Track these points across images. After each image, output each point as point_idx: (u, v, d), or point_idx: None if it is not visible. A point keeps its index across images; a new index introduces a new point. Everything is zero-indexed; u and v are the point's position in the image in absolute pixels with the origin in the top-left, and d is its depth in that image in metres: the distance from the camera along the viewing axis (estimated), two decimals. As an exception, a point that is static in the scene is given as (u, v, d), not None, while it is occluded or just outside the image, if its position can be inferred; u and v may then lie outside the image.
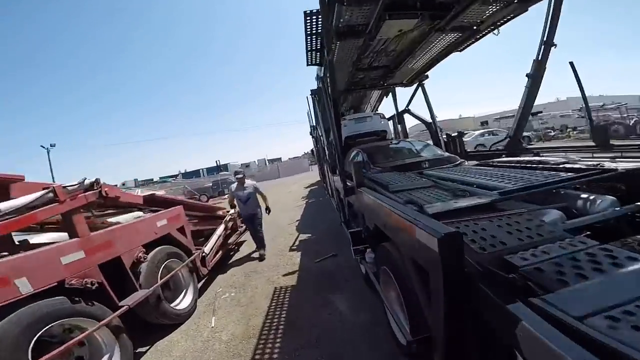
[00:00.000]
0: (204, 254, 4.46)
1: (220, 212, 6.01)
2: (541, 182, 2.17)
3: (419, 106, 7.51)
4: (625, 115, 16.54)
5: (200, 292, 4.37)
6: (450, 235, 1.10)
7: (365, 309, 3.18)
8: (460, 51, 5.18)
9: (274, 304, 3.74)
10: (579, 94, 3.81)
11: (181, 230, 4.21)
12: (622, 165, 2.28)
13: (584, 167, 2.46)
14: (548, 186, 2.12)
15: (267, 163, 45.92)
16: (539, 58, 3.99)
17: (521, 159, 3.57)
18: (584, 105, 3.85)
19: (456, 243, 1.10)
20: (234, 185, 5.66)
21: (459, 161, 4.43)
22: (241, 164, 46.46)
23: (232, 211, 5.97)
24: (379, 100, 9.79)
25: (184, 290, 3.96)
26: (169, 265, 3.67)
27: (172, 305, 3.59)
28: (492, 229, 1.58)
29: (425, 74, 6.43)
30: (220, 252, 5.23)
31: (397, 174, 3.54)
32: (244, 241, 7.03)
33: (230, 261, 5.85)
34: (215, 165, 47.44)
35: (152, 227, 3.66)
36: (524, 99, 4.27)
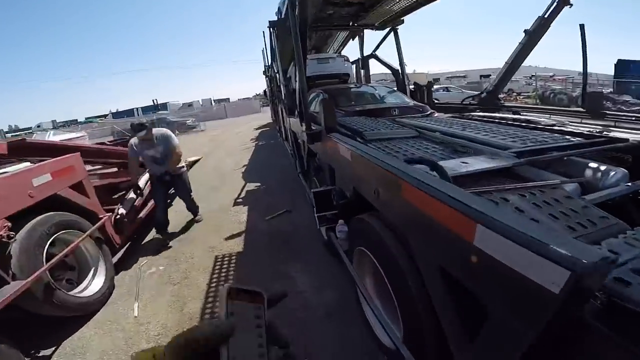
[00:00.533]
0: (118, 217, 3.51)
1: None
2: (554, 145, 1.74)
3: (385, 54, 6.93)
4: (569, 87, 17.68)
5: (119, 268, 3.48)
6: (598, 266, 0.52)
7: (331, 285, 2.67)
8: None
9: (215, 280, 3.07)
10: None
11: (78, 187, 3.11)
12: (631, 137, 1.92)
13: (587, 132, 2.07)
14: (565, 151, 1.72)
15: (213, 103, 42.56)
16: (546, 15, 3.53)
17: (503, 115, 3.17)
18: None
19: (596, 279, 0.53)
20: (134, 142, 3.68)
21: (430, 111, 4.07)
22: (183, 104, 42.58)
23: None
24: (344, 43, 9.20)
25: (92, 270, 2.99)
26: (62, 239, 2.70)
27: (75, 291, 2.70)
28: (529, 209, 1.08)
29: (401, 18, 5.73)
30: (147, 210, 4.27)
31: (369, 119, 2.92)
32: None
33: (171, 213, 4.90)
34: (152, 104, 42.71)
35: (21, 187, 2.48)
36: (515, 54, 3.87)
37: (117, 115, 42.63)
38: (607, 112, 2.83)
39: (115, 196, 4.28)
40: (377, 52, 6.88)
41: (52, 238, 2.53)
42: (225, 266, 3.28)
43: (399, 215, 1.17)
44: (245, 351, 0.37)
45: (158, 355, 0.40)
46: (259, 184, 6.08)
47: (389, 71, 6.21)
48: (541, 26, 3.59)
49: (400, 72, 5.98)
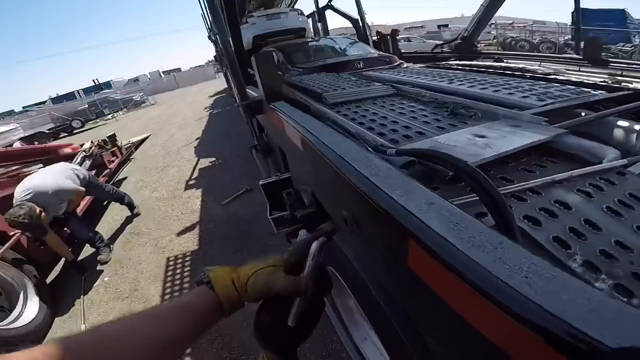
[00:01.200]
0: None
1: (68, 150, 4.11)
2: (580, 100, 1.28)
3: (340, 3, 6.29)
4: (529, 35, 17.57)
5: (58, 287, 2.89)
6: None
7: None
8: None
9: (168, 289, 2.54)
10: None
11: None
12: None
13: (603, 84, 1.63)
14: (596, 108, 1.28)
15: (162, 75, 39.20)
16: None
17: (488, 64, 2.68)
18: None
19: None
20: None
21: (399, 62, 3.55)
22: (128, 80, 38.81)
23: (87, 144, 4.14)
24: None
25: (21, 294, 2.47)
26: None
27: (5, 322, 2.24)
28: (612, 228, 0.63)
29: None
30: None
31: (330, 75, 2.33)
32: (124, 179, 5.28)
33: (106, 214, 4.16)
34: (93, 84, 38.62)
35: None
36: None
37: (56, 100, 38.19)
38: (609, 59, 2.43)
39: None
40: (332, 3, 6.29)
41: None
42: (179, 271, 2.76)
43: (404, 298, 0.67)
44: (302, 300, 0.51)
45: (240, 278, 0.51)
46: (213, 159, 5.40)
47: (349, 25, 5.58)
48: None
49: (360, 21, 5.38)
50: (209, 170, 4.97)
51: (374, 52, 3.87)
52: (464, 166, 0.55)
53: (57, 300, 2.67)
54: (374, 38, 5.22)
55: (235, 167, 4.72)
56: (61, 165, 3.20)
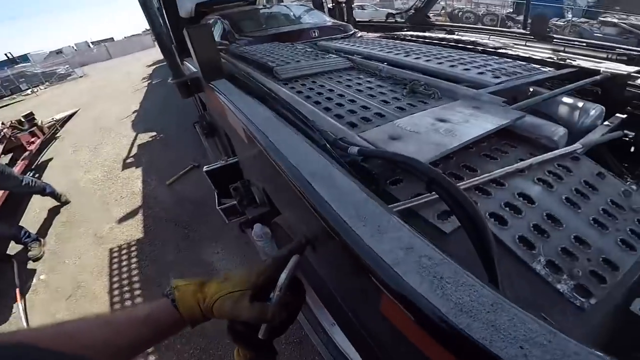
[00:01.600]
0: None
1: None
2: (530, 78, 1.30)
3: None
4: (474, 7, 18.32)
5: None
6: None
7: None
8: None
9: (116, 284, 2.30)
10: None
11: None
12: (602, 67, 1.56)
13: (549, 60, 1.67)
14: (543, 86, 1.32)
15: (91, 45, 34.46)
16: None
17: (441, 36, 2.66)
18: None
19: None
20: None
21: (354, 31, 3.43)
22: (50, 52, 33.56)
23: None
24: None
25: None
26: None
27: None
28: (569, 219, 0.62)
29: None
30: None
31: (283, 45, 2.14)
32: (49, 160, 4.63)
33: (31, 202, 3.58)
34: (6, 58, 32.76)
35: None
36: None
37: None
38: (553, 36, 2.52)
39: None
40: None
41: None
42: (125, 263, 2.51)
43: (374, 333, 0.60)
44: None
45: (205, 300, 0.50)
46: (154, 134, 4.93)
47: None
48: None
49: (314, -14, 5.06)
50: (149, 147, 4.52)
51: (328, 21, 3.67)
52: (440, 179, 0.48)
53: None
54: (329, 6, 4.99)
55: (180, 142, 4.34)
56: None
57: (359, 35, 3.34)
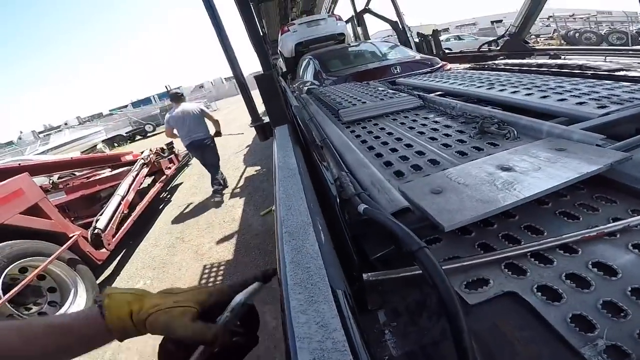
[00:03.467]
0: (96, 232, 3.10)
1: (129, 157, 4.50)
2: None
3: (380, 7, 6.18)
4: (595, 26, 15.42)
5: (107, 281, 3.20)
6: None
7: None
8: None
9: None
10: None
11: (34, 210, 2.77)
12: None
13: None
14: None
15: (224, 81, 41.96)
16: None
17: (541, 61, 2.33)
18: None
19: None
20: (170, 113, 4.23)
21: (441, 64, 3.28)
22: (195, 86, 42.40)
23: (146, 152, 4.49)
24: (334, 1, 8.49)
25: (72, 291, 2.76)
26: (33, 266, 2.53)
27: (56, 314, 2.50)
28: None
29: None
30: (134, 217, 3.83)
31: (357, 85, 2.20)
32: (179, 184, 5.68)
33: (159, 218, 4.52)
34: (165, 90, 42.94)
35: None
36: None
37: (136, 104, 42.98)
38: None
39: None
40: (370, 6, 6.32)
41: (6, 270, 2.38)
42: (212, 278, 2.87)
43: None
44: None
45: (139, 312, 0.44)
46: (259, 168, 5.55)
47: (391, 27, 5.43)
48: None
49: (399, 23, 5.13)
50: (253, 179, 5.11)
51: (414, 55, 3.64)
52: (419, 254, 0.42)
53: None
54: (416, 40, 4.97)
55: (277, 176, 4.81)
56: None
57: (447, 67, 3.19)
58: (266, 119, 1.74)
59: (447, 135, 1.06)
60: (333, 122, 1.35)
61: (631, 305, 0.44)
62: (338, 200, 0.69)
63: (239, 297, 0.47)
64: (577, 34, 13.48)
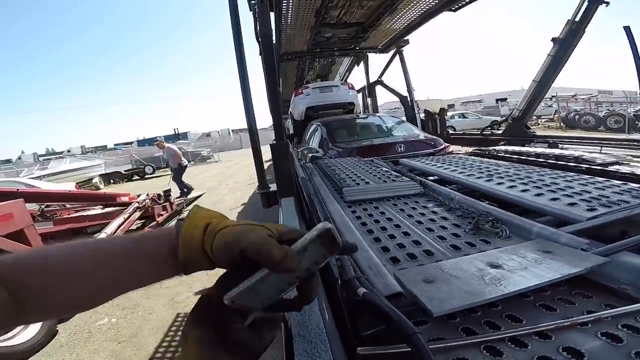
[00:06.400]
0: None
1: (125, 199, 4.57)
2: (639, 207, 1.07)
3: (392, 79, 6.60)
4: (593, 107, 16.47)
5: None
6: None
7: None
8: (453, 11, 3.98)
9: (164, 347, 2.57)
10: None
11: (18, 236, 2.79)
12: None
13: None
14: None
15: (231, 133, 43.65)
16: (577, 18, 2.89)
17: (540, 151, 2.49)
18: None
19: None
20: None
21: (444, 145, 3.46)
22: (202, 133, 44.04)
23: (142, 196, 4.56)
24: (349, 69, 8.82)
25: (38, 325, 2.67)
26: None
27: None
28: None
29: (405, 38, 5.38)
30: None
31: (361, 162, 2.32)
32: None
33: None
34: (173, 133, 44.47)
35: None
36: (543, 70, 3.18)
37: (142, 142, 44.29)
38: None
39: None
40: (384, 78, 6.64)
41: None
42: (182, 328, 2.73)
43: None
44: (271, 283, 0.36)
45: (217, 225, 0.38)
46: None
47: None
48: (573, 32, 2.94)
49: (408, 98, 5.49)
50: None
51: (418, 134, 3.86)
52: (415, 340, 0.46)
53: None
54: (422, 116, 5.25)
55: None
56: None
57: (449, 150, 3.36)
58: (272, 186, 1.81)
59: (443, 227, 1.10)
60: (336, 200, 1.40)
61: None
62: (340, 281, 0.72)
63: (321, 225, 0.37)
64: (576, 116, 14.18)
